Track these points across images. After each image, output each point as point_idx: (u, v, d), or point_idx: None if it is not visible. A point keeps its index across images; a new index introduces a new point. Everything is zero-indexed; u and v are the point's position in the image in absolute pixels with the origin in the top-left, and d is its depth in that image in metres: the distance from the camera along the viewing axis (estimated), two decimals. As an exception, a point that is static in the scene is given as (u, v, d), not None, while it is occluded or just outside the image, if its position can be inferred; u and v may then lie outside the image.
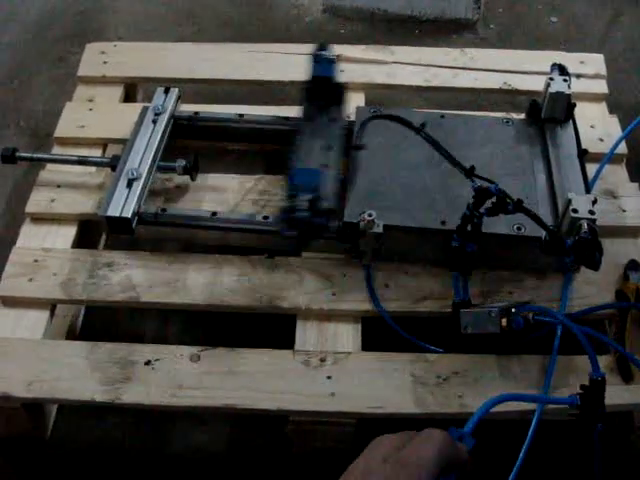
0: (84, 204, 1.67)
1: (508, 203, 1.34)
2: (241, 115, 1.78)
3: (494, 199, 1.35)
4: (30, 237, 1.63)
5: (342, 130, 1.67)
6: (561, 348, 1.40)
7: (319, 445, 1.45)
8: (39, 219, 1.66)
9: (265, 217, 1.55)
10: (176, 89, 1.79)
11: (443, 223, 1.48)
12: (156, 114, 1.73)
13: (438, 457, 0.76)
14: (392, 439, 0.80)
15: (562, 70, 1.68)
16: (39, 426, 1.54)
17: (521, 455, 1.21)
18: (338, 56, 1.82)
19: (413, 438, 0.79)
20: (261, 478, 1.53)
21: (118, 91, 1.95)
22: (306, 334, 1.48)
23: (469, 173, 1.38)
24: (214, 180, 1.72)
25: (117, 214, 1.52)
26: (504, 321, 1.33)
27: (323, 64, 1.68)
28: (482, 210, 1.37)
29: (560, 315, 1.39)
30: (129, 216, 1.52)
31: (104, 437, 1.57)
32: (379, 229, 1.44)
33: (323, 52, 1.70)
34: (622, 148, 1.77)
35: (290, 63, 1.98)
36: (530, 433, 1.25)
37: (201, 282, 1.53)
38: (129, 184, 1.57)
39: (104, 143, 1.82)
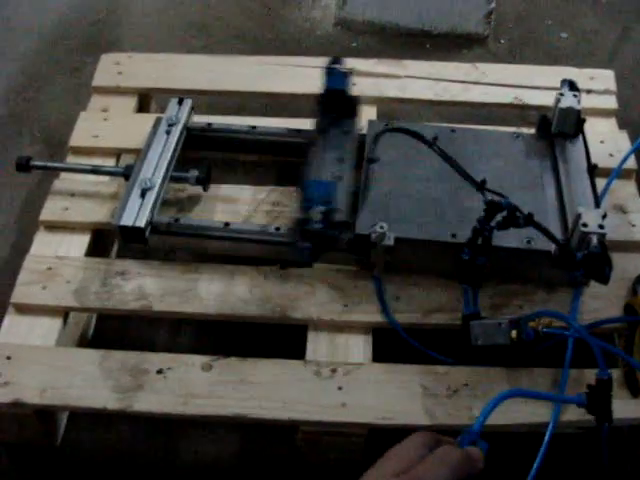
0: (98, 213, 1.68)
1: (519, 217, 1.35)
2: (253, 127, 1.79)
3: (505, 213, 1.36)
4: (44, 245, 1.65)
5: (355, 143, 1.68)
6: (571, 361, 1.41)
7: (329, 456, 1.46)
8: (53, 227, 1.68)
9: (277, 228, 1.56)
10: (189, 100, 1.80)
11: (454, 236, 1.49)
12: (169, 125, 1.74)
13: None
14: (406, 452, 0.80)
15: (572, 86, 1.69)
16: (50, 433, 1.55)
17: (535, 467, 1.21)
18: (351, 69, 1.83)
19: (427, 456, 0.79)
20: (271, 488, 1.54)
21: (132, 101, 1.96)
22: (317, 345, 1.48)
23: (480, 187, 1.39)
24: (226, 191, 1.73)
25: (130, 223, 1.54)
26: (514, 333, 1.34)
27: (337, 77, 1.70)
28: (493, 224, 1.38)
29: (574, 321, 1.40)
30: (142, 225, 1.53)
31: (114, 445, 1.58)
32: (390, 241, 1.45)
33: (337, 65, 1.71)
34: (631, 163, 1.78)
35: (302, 76, 2.00)
36: (544, 444, 1.25)
37: (213, 292, 1.54)
38: (142, 194, 1.59)
39: (118, 153, 1.84)
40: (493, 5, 2.53)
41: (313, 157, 1.63)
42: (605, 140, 1.84)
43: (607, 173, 1.73)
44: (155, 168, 1.64)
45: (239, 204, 1.70)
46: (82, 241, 1.65)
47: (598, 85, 1.98)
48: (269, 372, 1.43)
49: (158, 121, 1.76)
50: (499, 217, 1.37)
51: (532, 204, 1.51)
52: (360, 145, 1.68)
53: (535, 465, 1.19)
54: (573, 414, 1.35)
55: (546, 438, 1.26)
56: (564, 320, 1.37)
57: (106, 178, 1.75)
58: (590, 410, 1.30)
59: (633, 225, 1.66)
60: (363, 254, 1.51)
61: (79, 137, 1.85)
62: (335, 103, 1.70)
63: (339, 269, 1.58)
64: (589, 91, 1.94)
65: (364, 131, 1.72)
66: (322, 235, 1.45)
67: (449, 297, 1.53)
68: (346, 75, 1.71)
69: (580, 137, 1.67)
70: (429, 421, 1.37)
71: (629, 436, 1.50)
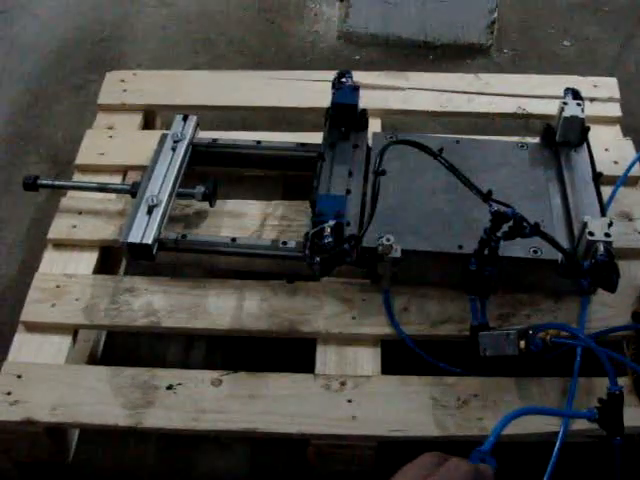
0: (105, 230, 1.69)
1: (525, 227, 1.35)
2: (258, 142, 1.80)
3: (511, 223, 1.36)
4: (52, 263, 1.65)
5: (364, 156, 1.69)
6: (579, 370, 1.41)
7: (340, 468, 1.46)
8: (61, 245, 1.68)
9: (284, 242, 1.56)
10: (194, 116, 1.81)
11: (460, 247, 1.49)
12: (175, 141, 1.75)
13: None
14: (416, 470, 0.81)
15: (575, 94, 1.70)
16: (61, 451, 1.55)
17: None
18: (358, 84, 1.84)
19: (437, 469, 0.79)
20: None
21: (137, 118, 1.98)
22: (326, 358, 1.49)
23: (486, 198, 1.39)
24: (233, 206, 1.74)
25: (138, 240, 1.54)
26: (522, 343, 1.34)
27: (345, 91, 1.70)
28: (499, 234, 1.38)
29: (582, 333, 1.40)
30: (150, 242, 1.54)
31: (125, 462, 1.58)
32: (397, 254, 1.45)
33: (345, 77, 1.72)
34: (637, 170, 1.78)
35: (306, 89, 2.01)
36: (554, 454, 1.25)
37: (221, 307, 1.55)
38: (149, 211, 1.59)
39: (124, 170, 1.85)
40: (495, 15, 2.54)
41: (322, 171, 1.64)
42: (610, 148, 1.84)
43: (612, 181, 1.73)
44: (161, 185, 1.65)
45: (246, 219, 1.71)
46: (90, 259, 1.66)
47: (602, 93, 1.99)
48: (279, 386, 1.44)
49: (163, 138, 1.77)
50: (505, 227, 1.37)
51: (538, 213, 1.52)
52: (368, 158, 1.69)
53: (546, 476, 1.20)
54: (583, 424, 1.35)
55: (556, 448, 1.26)
56: (572, 333, 1.37)
57: (113, 195, 1.75)
58: (602, 424, 1.30)
59: (639, 232, 1.66)
60: (370, 266, 1.52)
61: (85, 155, 1.87)
62: (344, 117, 1.71)
63: (347, 282, 1.58)
64: (593, 99, 1.94)
65: (369, 144, 1.73)
66: (333, 249, 1.45)
67: (457, 308, 1.53)
68: (355, 89, 1.71)
69: (584, 145, 1.67)
70: (440, 432, 1.37)
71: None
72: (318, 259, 1.44)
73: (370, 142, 1.73)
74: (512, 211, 1.35)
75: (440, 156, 1.46)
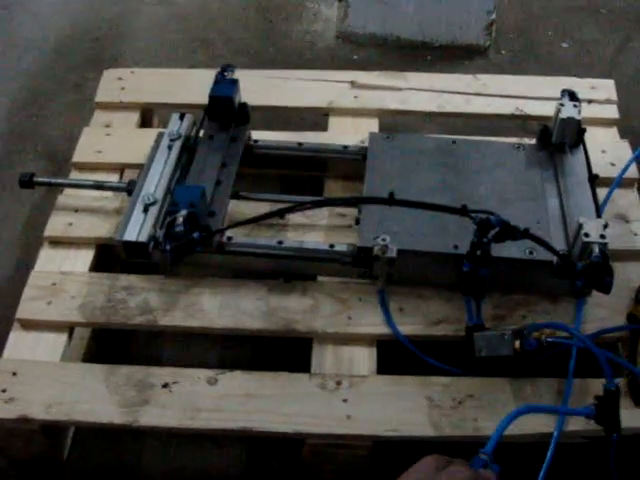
0: (102, 228, 1.69)
1: (515, 230, 1.35)
2: (256, 141, 1.80)
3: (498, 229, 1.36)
4: (48, 261, 1.65)
5: (241, 149, 1.72)
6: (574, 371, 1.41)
7: (335, 468, 1.46)
8: (57, 243, 1.68)
9: (280, 242, 1.57)
10: (191, 115, 1.81)
11: (456, 247, 1.49)
12: (171, 140, 1.75)
13: None
14: (418, 474, 0.81)
15: (572, 96, 1.70)
16: (56, 448, 1.55)
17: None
18: (352, 82, 1.84)
19: (439, 476, 0.80)
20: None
21: (135, 117, 1.97)
22: (322, 357, 1.49)
23: (463, 212, 1.38)
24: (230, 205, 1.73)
25: (133, 239, 1.54)
26: (517, 343, 1.34)
27: (222, 84, 1.74)
28: (489, 237, 1.38)
29: (578, 332, 1.40)
30: (145, 241, 1.54)
31: (121, 460, 1.58)
32: (393, 254, 1.45)
33: (227, 72, 1.75)
34: (633, 172, 1.79)
35: (304, 89, 2.01)
36: (550, 452, 1.26)
37: (217, 306, 1.55)
38: (145, 209, 1.59)
39: (121, 168, 1.85)
40: (494, 16, 2.54)
41: (195, 162, 1.67)
42: (606, 149, 1.84)
43: (608, 182, 1.73)
44: (158, 183, 1.65)
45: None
46: (86, 256, 1.66)
47: (599, 95, 1.99)
48: (274, 385, 1.44)
49: (160, 136, 1.77)
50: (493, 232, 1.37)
51: (534, 214, 1.52)
52: (362, 158, 1.70)
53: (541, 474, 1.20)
54: (578, 424, 1.35)
55: (551, 448, 1.27)
56: (568, 331, 1.37)
57: (110, 193, 1.75)
58: (599, 421, 1.30)
59: (635, 234, 1.67)
60: (366, 266, 1.52)
61: (82, 153, 1.86)
62: (220, 110, 1.73)
63: (342, 282, 1.58)
64: (590, 101, 1.94)
65: (366, 144, 1.73)
66: (183, 238, 1.47)
67: (453, 308, 1.53)
68: (233, 82, 1.74)
69: (581, 147, 1.68)
70: (434, 433, 1.37)
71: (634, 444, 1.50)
72: (168, 247, 1.47)
73: (367, 142, 1.73)
74: (496, 218, 1.35)
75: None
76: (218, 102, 1.72)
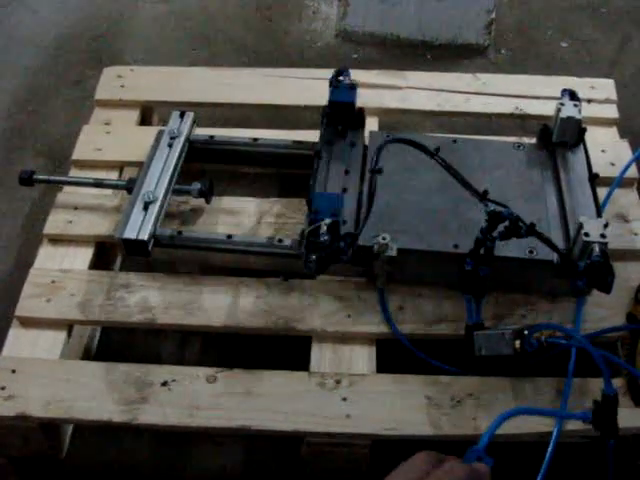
0: (101, 226, 1.68)
1: (521, 227, 1.35)
2: (255, 139, 1.80)
3: (507, 223, 1.36)
4: (48, 258, 1.65)
5: (360, 154, 1.69)
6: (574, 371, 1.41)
7: (334, 466, 1.46)
8: (57, 240, 1.68)
9: (280, 240, 1.56)
10: (191, 113, 1.81)
11: (456, 247, 1.49)
12: (172, 138, 1.74)
13: None
14: (411, 469, 0.81)
15: (572, 95, 1.70)
16: (55, 446, 1.55)
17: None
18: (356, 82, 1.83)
19: (433, 471, 0.80)
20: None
21: (134, 114, 1.97)
22: (321, 356, 1.49)
23: (482, 197, 1.39)
24: (229, 203, 1.73)
25: (134, 237, 1.54)
26: (517, 343, 1.34)
27: (343, 89, 1.70)
28: (495, 234, 1.38)
29: (578, 334, 1.40)
30: (145, 238, 1.54)
31: (120, 458, 1.58)
32: (393, 252, 1.45)
33: (342, 76, 1.72)
34: (633, 172, 1.79)
35: (304, 87, 2.01)
36: (548, 454, 1.26)
37: (217, 304, 1.55)
38: (145, 207, 1.59)
39: (121, 166, 1.84)
40: (493, 15, 2.54)
41: (319, 169, 1.64)
42: (606, 149, 1.84)
43: (609, 182, 1.74)
44: (157, 181, 1.65)
45: (242, 216, 1.71)
46: (86, 254, 1.66)
47: (599, 94, 1.99)
48: (274, 384, 1.44)
49: (160, 134, 1.76)
50: (501, 227, 1.37)
51: (534, 214, 1.52)
52: (365, 156, 1.69)
53: (540, 476, 1.20)
54: (577, 424, 1.35)
55: (550, 448, 1.27)
56: (567, 333, 1.37)
57: (109, 191, 1.75)
58: (596, 426, 1.30)
59: (635, 234, 1.67)
60: (366, 265, 1.52)
61: (82, 150, 1.86)
62: (341, 115, 1.71)
63: (342, 280, 1.58)
64: (590, 100, 1.94)
65: (366, 142, 1.73)
66: (328, 247, 1.45)
67: (453, 307, 1.53)
68: (352, 87, 1.71)
69: (581, 146, 1.68)
70: (434, 432, 1.37)
71: (633, 444, 1.50)
72: (314, 257, 1.44)
73: (367, 140, 1.73)
74: (508, 211, 1.36)
75: (437, 155, 1.46)
76: (339, 107, 1.71)
